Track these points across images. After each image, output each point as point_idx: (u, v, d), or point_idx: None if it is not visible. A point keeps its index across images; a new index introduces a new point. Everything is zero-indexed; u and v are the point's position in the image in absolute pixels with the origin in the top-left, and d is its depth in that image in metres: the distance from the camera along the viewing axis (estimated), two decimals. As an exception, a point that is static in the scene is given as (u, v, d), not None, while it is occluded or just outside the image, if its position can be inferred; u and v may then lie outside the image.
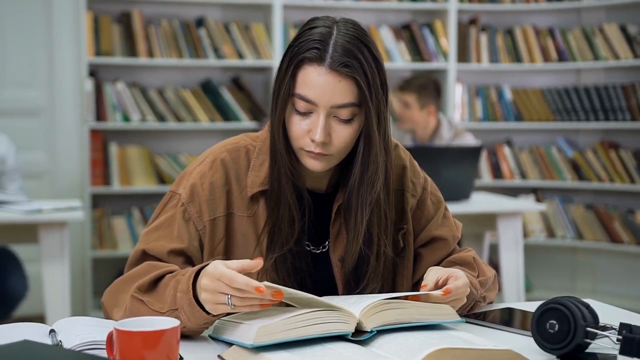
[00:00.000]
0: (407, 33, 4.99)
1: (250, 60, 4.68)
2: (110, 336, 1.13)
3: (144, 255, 1.52)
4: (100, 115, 4.52)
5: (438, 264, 1.64)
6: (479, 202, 3.71)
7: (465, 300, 1.48)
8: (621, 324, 1.35)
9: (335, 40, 1.44)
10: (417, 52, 4.96)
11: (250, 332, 1.25)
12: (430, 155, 3.66)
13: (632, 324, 1.36)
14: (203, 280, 1.32)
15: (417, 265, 1.65)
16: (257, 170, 1.55)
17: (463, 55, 5.03)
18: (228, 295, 1.28)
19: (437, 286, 1.44)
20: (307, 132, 1.46)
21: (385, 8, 4.98)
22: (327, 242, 1.58)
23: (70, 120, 4.63)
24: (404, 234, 1.63)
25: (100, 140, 4.55)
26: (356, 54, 1.44)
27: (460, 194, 3.66)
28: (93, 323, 1.38)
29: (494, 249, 4.60)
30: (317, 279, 1.55)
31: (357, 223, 1.52)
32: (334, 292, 1.56)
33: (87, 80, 4.45)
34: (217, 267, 1.29)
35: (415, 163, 1.70)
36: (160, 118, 4.59)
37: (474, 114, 5.08)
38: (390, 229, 1.57)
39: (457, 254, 1.66)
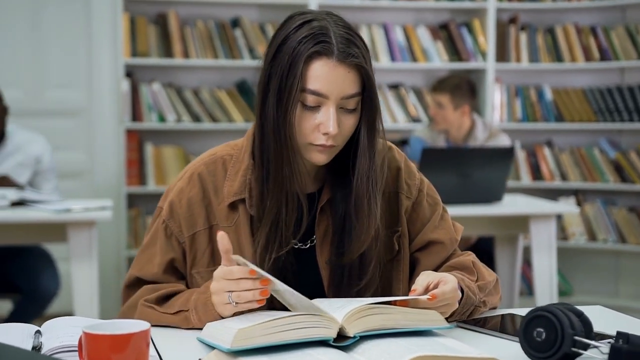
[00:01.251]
0: (445, 32, 4.93)
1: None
2: (81, 340, 1.13)
3: (140, 281, 1.58)
4: (136, 115, 4.56)
5: (437, 268, 1.61)
6: (511, 204, 3.64)
7: (457, 305, 1.44)
8: (618, 333, 1.30)
9: (334, 32, 1.44)
10: (454, 51, 4.90)
11: (229, 335, 1.24)
12: (462, 156, 3.61)
13: (630, 333, 1.31)
14: (212, 285, 1.39)
15: (415, 270, 1.61)
16: (232, 180, 1.54)
17: (502, 54, 4.95)
18: (229, 293, 1.34)
19: (427, 291, 1.40)
20: (317, 126, 1.44)
21: (423, 7, 4.93)
22: (313, 237, 1.56)
23: (107, 121, 4.69)
24: (399, 237, 1.60)
25: (136, 140, 4.59)
26: (355, 43, 1.45)
27: (492, 195, 3.60)
28: (81, 324, 1.38)
29: (528, 252, 4.51)
30: (301, 278, 1.51)
31: (372, 211, 1.49)
32: (319, 292, 1.53)
33: (123, 81, 4.49)
34: (221, 268, 1.37)
35: (411, 164, 1.67)
36: (196, 118, 4.62)
37: (513, 114, 4.99)
38: (378, 211, 1.53)
39: (456, 259, 1.62)
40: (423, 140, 4.12)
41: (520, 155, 4.99)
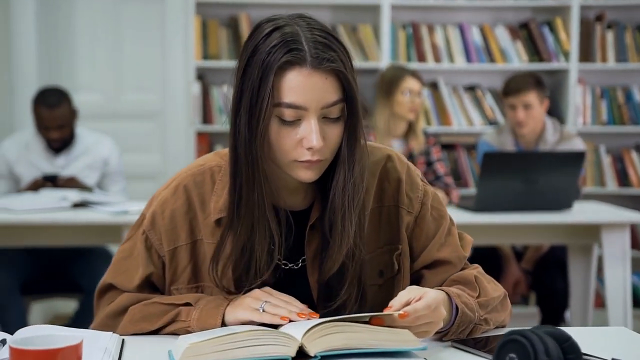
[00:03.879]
0: (525, 32, 4.73)
1: (357, 62, 4.57)
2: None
3: (112, 288, 1.52)
4: (206, 118, 4.57)
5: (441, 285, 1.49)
6: (582, 212, 3.42)
7: (441, 324, 1.33)
8: (613, 361, 1.18)
9: (306, 37, 1.31)
10: (535, 51, 4.70)
11: (181, 349, 1.17)
12: (527, 160, 3.43)
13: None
14: (256, 291, 1.37)
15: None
16: (218, 195, 1.45)
17: (586, 54, 4.71)
18: (266, 302, 1.32)
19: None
20: (299, 142, 1.33)
21: (502, 6, 4.74)
22: (303, 258, 1.46)
23: (179, 123, 4.73)
24: (399, 255, 1.48)
25: (207, 142, 4.61)
26: (331, 47, 1.32)
27: (560, 202, 3.41)
28: (47, 333, 1.34)
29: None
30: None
31: (345, 228, 1.37)
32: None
33: (194, 84, 4.52)
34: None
35: (415, 175, 1.53)
36: (266, 121, 4.58)
37: (598, 116, 4.74)
38: (364, 220, 1.42)
39: (460, 272, 1.49)
40: (490, 144, 3.94)
41: (605, 160, 4.73)
